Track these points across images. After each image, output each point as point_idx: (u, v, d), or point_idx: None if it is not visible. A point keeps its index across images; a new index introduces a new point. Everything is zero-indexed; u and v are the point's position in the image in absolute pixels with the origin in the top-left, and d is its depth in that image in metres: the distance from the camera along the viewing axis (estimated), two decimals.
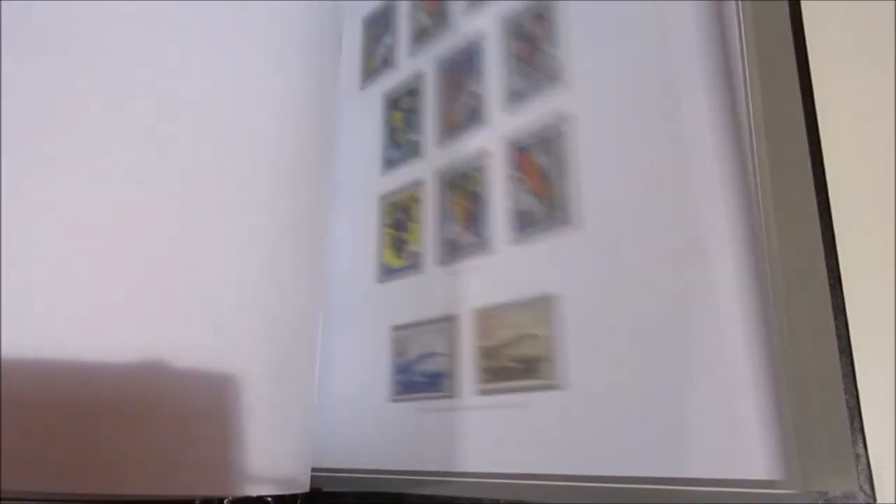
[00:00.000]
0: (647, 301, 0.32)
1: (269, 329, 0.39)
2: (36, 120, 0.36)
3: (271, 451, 0.38)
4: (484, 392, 0.37)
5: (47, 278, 0.35)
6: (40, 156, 0.36)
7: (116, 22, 0.39)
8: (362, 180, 0.48)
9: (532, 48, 0.40)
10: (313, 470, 0.41)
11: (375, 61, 0.51)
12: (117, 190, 0.37)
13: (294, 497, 0.39)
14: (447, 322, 0.40)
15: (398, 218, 0.45)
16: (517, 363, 0.36)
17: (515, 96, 0.40)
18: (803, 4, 0.34)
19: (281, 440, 0.39)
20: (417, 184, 0.45)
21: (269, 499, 0.38)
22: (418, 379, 0.40)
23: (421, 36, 0.48)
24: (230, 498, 0.37)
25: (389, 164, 0.47)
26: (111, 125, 0.38)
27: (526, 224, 0.38)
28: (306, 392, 0.41)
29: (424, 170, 0.44)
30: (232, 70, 0.42)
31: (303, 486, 0.39)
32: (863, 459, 0.27)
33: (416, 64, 0.47)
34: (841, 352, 0.29)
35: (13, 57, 0.36)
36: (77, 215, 0.36)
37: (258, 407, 0.38)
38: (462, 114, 0.43)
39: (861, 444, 0.28)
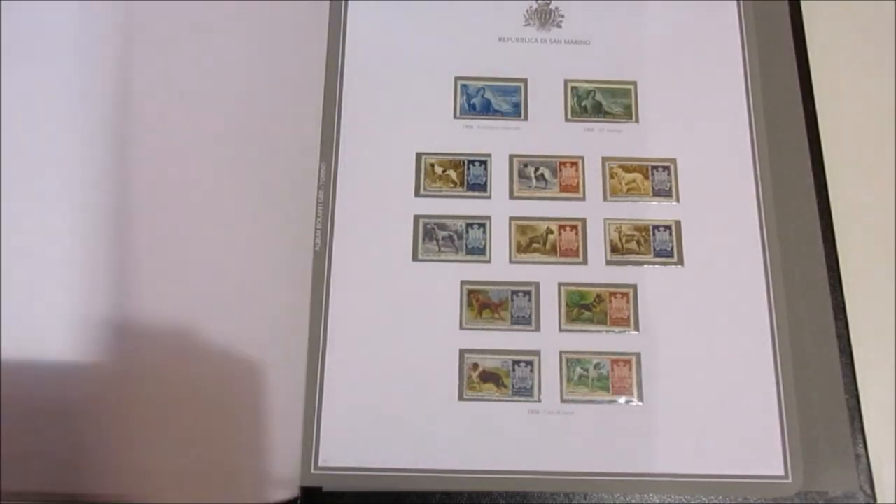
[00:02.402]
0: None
1: (267, 331, 0.39)
2: (37, 120, 0.36)
3: (272, 454, 0.38)
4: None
5: (47, 279, 0.35)
6: (42, 156, 0.36)
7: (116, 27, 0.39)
8: None
9: None
10: (312, 470, 0.40)
11: None
12: (117, 191, 0.37)
13: (294, 496, 0.39)
14: None
15: None
16: None
17: None
18: (803, 4, 0.34)
19: (281, 442, 0.39)
20: None
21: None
22: None
23: None
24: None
25: None
26: (111, 126, 0.38)
27: None
28: (306, 393, 0.41)
29: None
30: (226, 69, 0.42)
31: (294, 489, 0.39)
32: (863, 459, 0.28)
33: None
34: (841, 352, 0.29)
35: (15, 61, 0.36)
36: (76, 217, 0.36)
37: (257, 410, 0.38)
38: None
39: (861, 444, 0.28)
